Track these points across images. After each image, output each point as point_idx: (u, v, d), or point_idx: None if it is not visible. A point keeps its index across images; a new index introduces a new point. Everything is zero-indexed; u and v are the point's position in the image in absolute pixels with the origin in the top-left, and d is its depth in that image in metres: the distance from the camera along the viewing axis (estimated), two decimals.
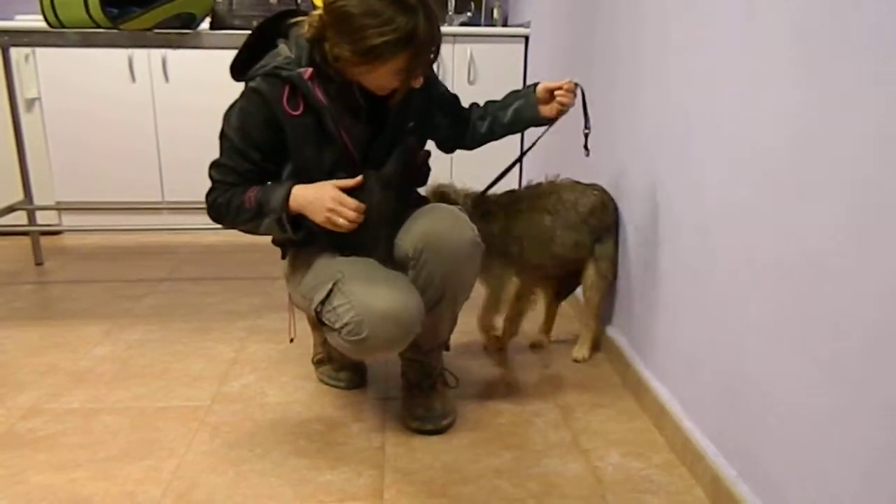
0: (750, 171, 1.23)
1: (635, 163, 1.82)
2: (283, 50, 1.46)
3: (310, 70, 1.42)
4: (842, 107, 0.97)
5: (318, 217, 1.43)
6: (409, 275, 1.50)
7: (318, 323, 1.51)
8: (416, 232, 1.50)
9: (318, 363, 1.87)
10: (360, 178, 1.46)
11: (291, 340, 1.71)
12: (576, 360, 2.00)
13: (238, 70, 1.52)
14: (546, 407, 1.75)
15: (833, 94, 0.99)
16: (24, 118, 3.02)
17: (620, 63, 1.93)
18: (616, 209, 1.95)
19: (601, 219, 1.92)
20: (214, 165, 1.52)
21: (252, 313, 2.38)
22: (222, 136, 1.50)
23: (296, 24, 1.48)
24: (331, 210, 1.41)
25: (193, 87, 3.30)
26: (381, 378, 1.89)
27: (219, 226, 1.55)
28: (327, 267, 1.51)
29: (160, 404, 1.75)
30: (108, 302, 2.49)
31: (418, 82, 1.46)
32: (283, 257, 1.69)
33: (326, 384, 1.85)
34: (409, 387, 1.68)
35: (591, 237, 1.92)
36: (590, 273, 1.95)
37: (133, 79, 3.29)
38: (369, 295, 1.40)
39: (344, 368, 1.83)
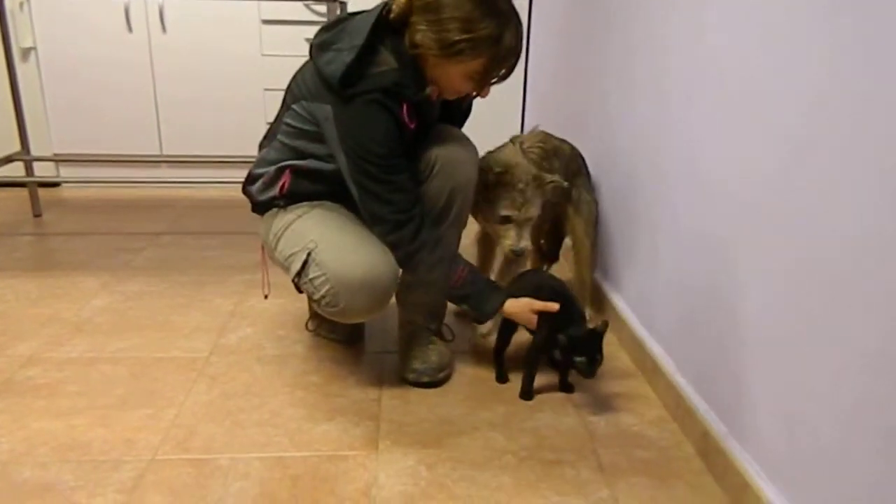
0: (750, 143, 1.21)
1: (635, 131, 1.80)
2: (388, 60, 1.39)
3: (437, 90, 1.46)
4: (855, 91, 0.95)
5: (523, 319, 1.60)
6: (422, 188, 1.52)
7: (298, 292, 1.56)
8: (432, 148, 1.52)
9: (314, 318, 1.88)
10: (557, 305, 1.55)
11: (266, 297, 1.74)
12: None
13: (347, 77, 1.37)
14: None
15: (850, 74, 0.97)
16: (20, 68, 2.97)
17: (624, 39, 1.88)
18: (581, 157, 2.01)
19: (577, 164, 1.98)
20: (388, 197, 1.42)
21: (251, 267, 2.38)
22: (375, 163, 1.39)
23: (387, 18, 1.40)
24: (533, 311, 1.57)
25: (191, 38, 3.23)
26: (378, 333, 1.91)
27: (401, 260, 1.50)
28: (302, 235, 1.50)
29: (158, 355, 1.76)
30: (106, 254, 2.49)
31: (486, 93, 1.47)
32: (254, 211, 1.67)
33: (324, 338, 1.86)
34: (406, 339, 1.69)
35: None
36: (575, 222, 1.96)
37: (129, 28, 3.23)
38: (343, 265, 1.43)
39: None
